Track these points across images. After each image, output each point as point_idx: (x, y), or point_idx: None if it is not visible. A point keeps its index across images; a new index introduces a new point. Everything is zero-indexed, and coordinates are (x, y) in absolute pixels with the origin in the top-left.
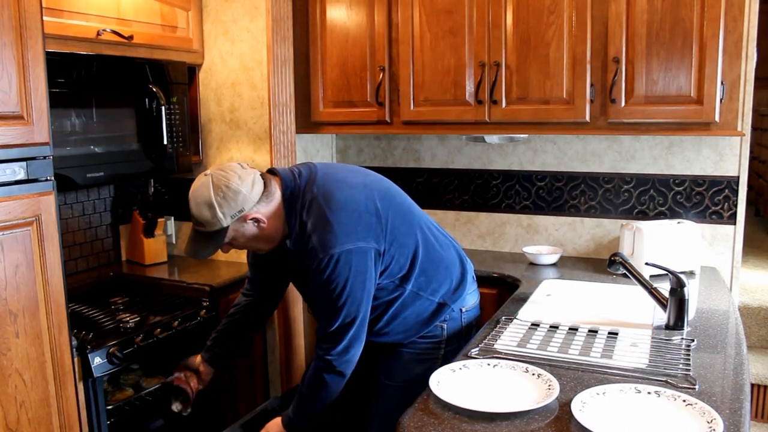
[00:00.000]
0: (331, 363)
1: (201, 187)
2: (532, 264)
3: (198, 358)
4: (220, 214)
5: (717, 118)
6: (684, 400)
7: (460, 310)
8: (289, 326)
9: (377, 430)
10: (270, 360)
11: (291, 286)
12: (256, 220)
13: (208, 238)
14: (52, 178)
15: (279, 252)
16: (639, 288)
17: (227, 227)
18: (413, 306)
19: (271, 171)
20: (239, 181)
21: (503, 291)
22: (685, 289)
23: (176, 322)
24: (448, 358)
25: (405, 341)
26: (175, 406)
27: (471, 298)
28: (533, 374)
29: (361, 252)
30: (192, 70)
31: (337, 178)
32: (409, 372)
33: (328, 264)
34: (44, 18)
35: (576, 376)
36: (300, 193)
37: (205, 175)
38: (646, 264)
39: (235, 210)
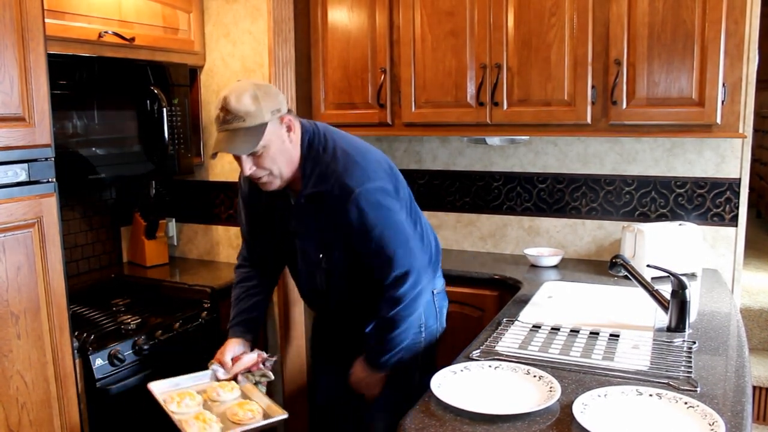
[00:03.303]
0: (402, 299)
1: (239, 85)
2: (534, 266)
3: (225, 355)
4: (263, 105)
5: (718, 120)
6: (685, 403)
7: (432, 292)
8: (289, 327)
9: (381, 425)
10: None
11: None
12: (289, 128)
13: (246, 133)
14: (54, 179)
15: (279, 211)
16: (640, 290)
17: (266, 124)
18: None
19: None
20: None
21: (504, 293)
22: (687, 291)
23: (177, 324)
24: (429, 343)
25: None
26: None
27: (439, 282)
28: (534, 376)
29: (390, 192)
30: (193, 72)
31: (349, 137)
32: (400, 362)
33: (367, 199)
34: (46, 20)
35: (577, 378)
36: (321, 137)
37: (238, 81)
38: (648, 266)
39: (274, 106)
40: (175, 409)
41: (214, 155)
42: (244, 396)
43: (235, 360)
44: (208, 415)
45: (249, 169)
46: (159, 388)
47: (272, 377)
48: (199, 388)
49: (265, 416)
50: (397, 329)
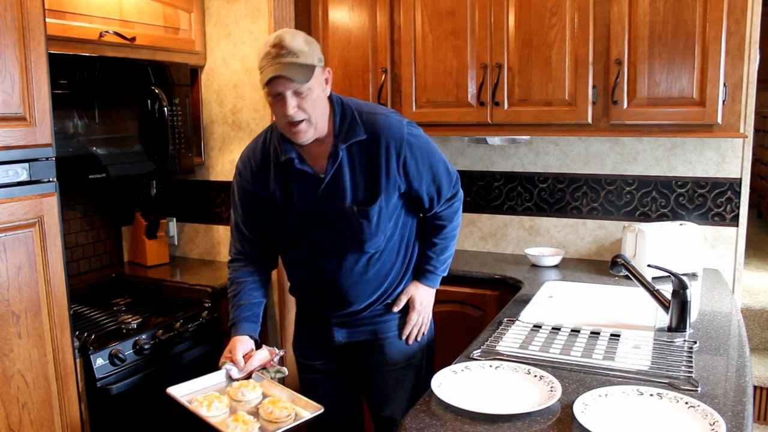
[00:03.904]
0: (456, 213)
1: (288, 29)
2: (534, 266)
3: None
4: (313, 48)
5: (719, 120)
6: (686, 403)
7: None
8: (291, 327)
9: (398, 408)
10: None
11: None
12: (327, 80)
13: (300, 68)
14: (55, 179)
15: (300, 189)
16: (641, 290)
17: (315, 67)
18: (404, 254)
19: None
20: None
21: (505, 293)
22: (688, 291)
23: (178, 323)
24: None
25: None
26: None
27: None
28: (535, 376)
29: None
30: (194, 72)
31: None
32: (400, 353)
33: (411, 130)
34: (47, 20)
35: (578, 378)
36: (334, 96)
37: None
38: (649, 266)
39: (320, 55)
40: (206, 413)
41: (269, 81)
42: (265, 394)
43: (246, 357)
44: (246, 416)
45: (292, 108)
46: (180, 392)
47: (287, 372)
48: (217, 389)
49: (298, 414)
50: (453, 240)
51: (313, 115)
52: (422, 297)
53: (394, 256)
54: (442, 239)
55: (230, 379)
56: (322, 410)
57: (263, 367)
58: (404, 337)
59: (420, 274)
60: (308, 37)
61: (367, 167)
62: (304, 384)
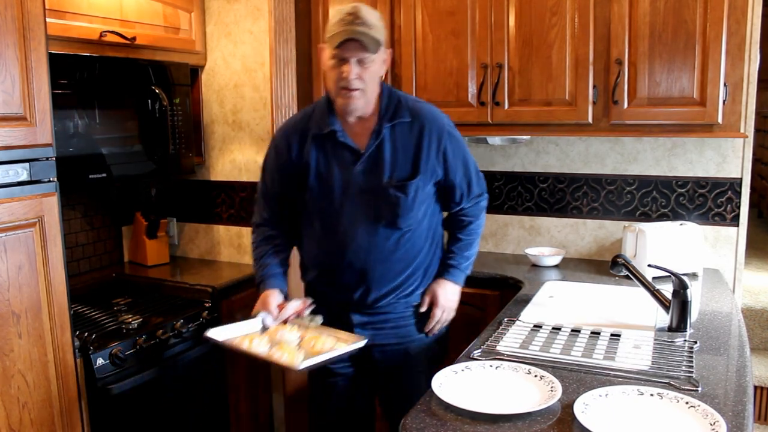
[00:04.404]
0: (482, 211)
1: (362, 5)
2: (535, 266)
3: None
4: (383, 27)
5: (720, 120)
6: (687, 402)
7: None
8: None
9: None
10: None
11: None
12: (385, 60)
13: (372, 38)
14: (55, 179)
15: (340, 162)
16: (641, 290)
17: (381, 44)
18: (430, 243)
19: None
20: None
21: (506, 292)
22: (688, 291)
23: (179, 323)
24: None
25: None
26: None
27: None
28: (536, 376)
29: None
30: (194, 72)
31: None
32: (421, 355)
33: (450, 123)
34: (47, 20)
35: (578, 378)
36: (384, 84)
37: None
38: (649, 266)
39: (385, 34)
40: (248, 347)
41: (341, 44)
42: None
43: (279, 308)
44: (291, 346)
45: (354, 74)
46: (218, 335)
47: (321, 320)
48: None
49: (340, 346)
50: (477, 238)
51: (368, 88)
52: (446, 292)
53: (421, 241)
54: (467, 235)
55: (265, 327)
56: (366, 341)
57: (297, 316)
58: (426, 331)
59: (444, 270)
60: (380, 15)
61: (408, 148)
62: (317, 389)
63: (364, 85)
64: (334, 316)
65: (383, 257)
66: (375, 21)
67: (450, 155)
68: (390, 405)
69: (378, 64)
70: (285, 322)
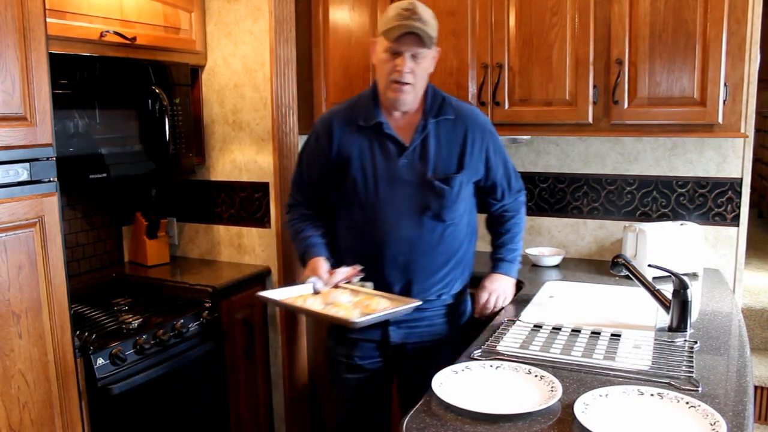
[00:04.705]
0: (523, 205)
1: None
2: (535, 266)
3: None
4: (437, 25)
5: (720, 120)
6: (687, 402)
7: None
8: (292, 328)
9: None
10: (272, 362)
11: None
12: (434, 58)
13: (427, 34)
14: (55, 179)
15: (384, 153)
16: (642, 290)
17: (434, 42)
18: (469, 240)
19: None
20: None
21: None
22: (688, 291)
23: (179, 323)
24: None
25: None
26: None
27: None
28: (536, 376)
29: None
30: (195, 72)
31: None
32: (452, 356)
33: (491, 123)
34: (47, 19)
35: (579, 378)
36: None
37: None
38: (649, 266)
39: (437, 33)
40: (302, 304)
41: (399, 37)
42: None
43: (329, 274)
44: (346, 304)
45: (408, 68)
46: (272, 294)
47: (372, 286)
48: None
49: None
50: (521, 233)
51: (418, 83)
52: (501, 282)
53: (462, 236)
54: (510, 230)
55: (316, 292)
56: (420, 303)
57: (347, 282)
58: (476, 312)
59: (493, 265)
60: (433, 13)
61: (452, 144)
62: (340, 384)
63: (415, 79)
64: None
65: (427, 249)
66: (429, 18)
67: (491, 153)
68: (412, 398)
69: (429, 60)
70: (335, 287)
